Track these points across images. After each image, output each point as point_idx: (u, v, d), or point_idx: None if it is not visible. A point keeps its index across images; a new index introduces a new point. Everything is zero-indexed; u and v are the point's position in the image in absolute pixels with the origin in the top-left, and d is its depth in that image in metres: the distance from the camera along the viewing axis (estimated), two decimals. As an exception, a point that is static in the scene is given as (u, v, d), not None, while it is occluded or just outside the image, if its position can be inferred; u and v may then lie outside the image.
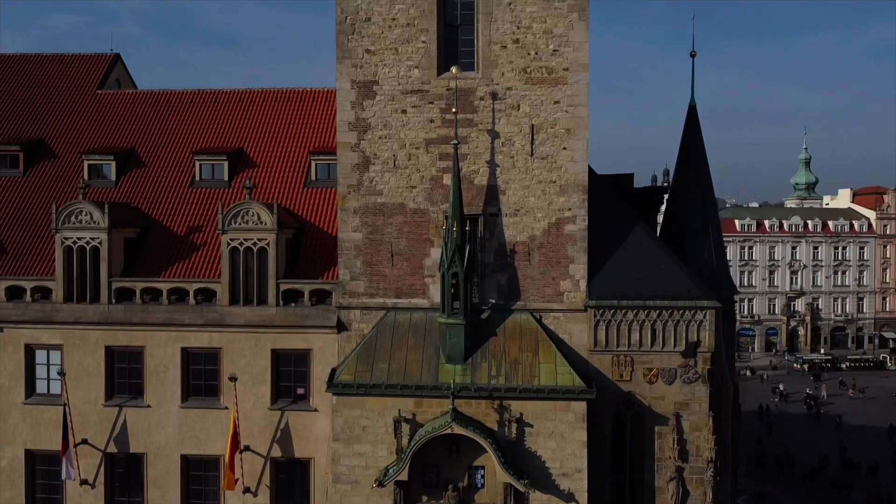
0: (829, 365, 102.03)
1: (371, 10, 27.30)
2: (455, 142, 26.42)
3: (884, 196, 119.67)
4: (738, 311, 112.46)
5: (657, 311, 26.65)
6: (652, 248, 27.86)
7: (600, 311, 26.79)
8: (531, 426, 25.40)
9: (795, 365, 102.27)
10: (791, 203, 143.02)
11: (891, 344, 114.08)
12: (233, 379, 27.22)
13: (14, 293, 29.19)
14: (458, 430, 24.50)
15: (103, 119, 35.39)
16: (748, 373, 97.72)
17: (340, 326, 27.70)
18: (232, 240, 28.09)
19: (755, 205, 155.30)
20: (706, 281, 29.81)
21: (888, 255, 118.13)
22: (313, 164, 32.04)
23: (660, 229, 33.48)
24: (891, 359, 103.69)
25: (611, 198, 29.43)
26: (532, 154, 27.07)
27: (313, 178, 31.99)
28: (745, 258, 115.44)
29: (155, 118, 35.13)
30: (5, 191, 32.74)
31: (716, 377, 27.25)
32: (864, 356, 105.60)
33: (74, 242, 28.60)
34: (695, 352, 26.64)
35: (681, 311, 26.66)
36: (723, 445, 27.37)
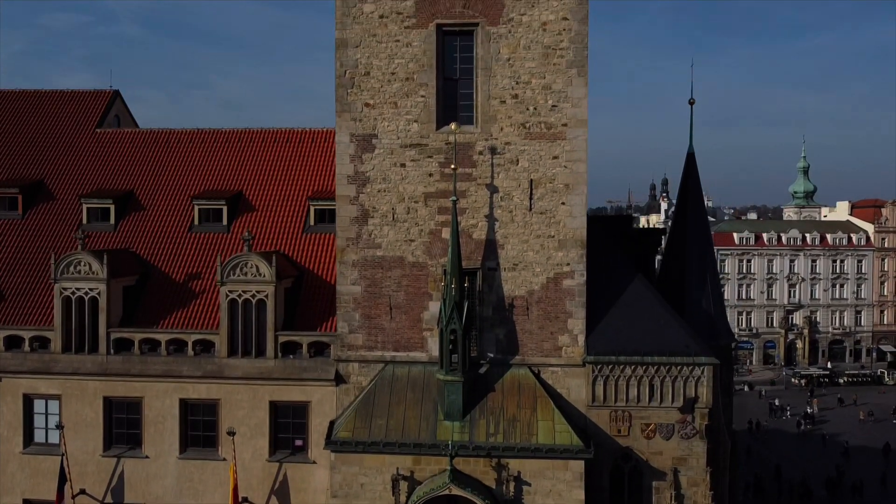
0: (826, 380, 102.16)
1: (370, 65, 27.33)
2: (454, 198, 26.46)
3: (882, 209, 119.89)
4: (736, 324, 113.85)
5: (655, 367, 26.69)
6: (650, 302, 27.89)
7: (598, 367, 26.82)
8: (529, 484, 25.43)
9: (793, 380, 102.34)
10: (789, 211, 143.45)
11: (888, 357, 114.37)
12: (231, 433, 27.25)
13: (13, 342, 29.20)
14: (455, 490, 24.52)
15: (102, 159, 35.41)
16: (746, 388, 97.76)
17: (339, 379, 27.72)
18: (231, 291, 28.11)
19: (753, 216, 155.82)
20: (704, 330, 29.95)
21: (886, 269, 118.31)
22: (312, 208, 32.06)
23: (658, 274, 33.52)
24: (888, 374, 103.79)
25: (609, 248, 29.47)
26: (531, 209, 27.11)
27: (312, 223, 32.02)
28: (744, 271, 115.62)
29: (154, 158, 35.17)
30: (4, 234, 32.77)
31: (713, 432, 27.30)
32: (862, 371, 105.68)
33: (73, 293, 28.62)
34: (692, 407, 26.68)
35: (678, 367, 26.69)
36: (720, 500, 27.42)
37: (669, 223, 34.02)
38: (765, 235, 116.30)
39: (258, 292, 28.05)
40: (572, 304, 27.07)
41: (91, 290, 28.56)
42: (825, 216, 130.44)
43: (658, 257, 37.99)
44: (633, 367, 26.75)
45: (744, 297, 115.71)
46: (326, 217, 31.39)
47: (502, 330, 27.32)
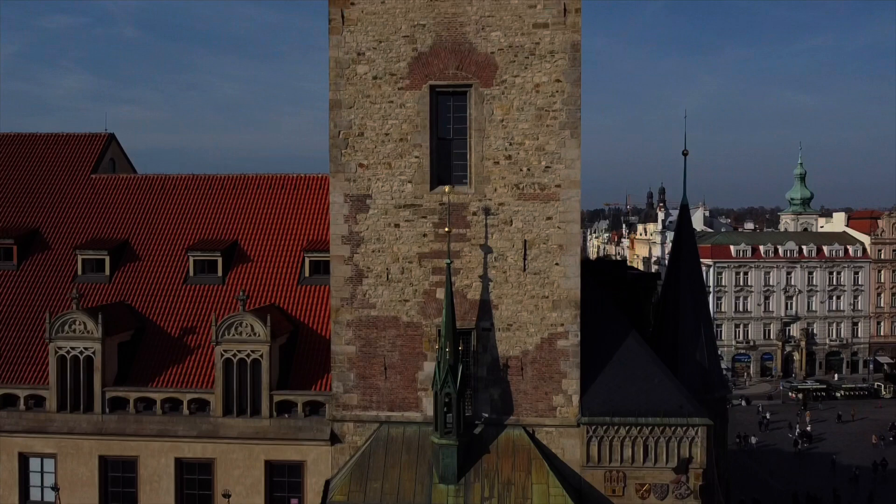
0: (823, 394, 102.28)
1: (364, 125, 27.37)
2: (448, 261, 26.50)
3: (878, 221, 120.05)
4: (734, 337, 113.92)
5: (650, 428, 26.75)
6: (644, 361, 27.94)
7: (593, 428, 26.87)
8: (524, 548, 25.48)
9: (790, 394, 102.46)
10: (787, 218, 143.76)
11: (885, 368, 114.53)
12: (226, 496, 27.29)
13: (8, 401, 29.21)
14: (451, 557, 24.59)
15: (97, 206, 35.46)
16: (743, 402, 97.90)
17: (334, 439, 27.76)
18: (225, 351, 28.15)
19: (750, 226, 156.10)
20: (698, 382, 30.05)
21: (882, 280, 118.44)
22: (307, 260, 32.10)
23: (652, 323, 33.58)
24: (885, 387, 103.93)
25: (603, 300, 29.55)
26: (525, 269, 27.16)
27: (307, 274, 32.07)
28: (741, 283, 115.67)
29: (149, 205, 35.23)
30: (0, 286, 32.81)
31: (708, 490, 27.36)
32: (859, 385, 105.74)
33: (68, 352, 28.64)
34: (687, 468, 26.74)
35: (673, 428, 26.75)
36: (715, 558, 27.52)
37: (664, 268, 34.03)
38: (762, 248, 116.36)
39: (253, 352, 28.08)
40: (566, 365, 27.12)
41: (86, 349, 28.58)
42: (822, 227, 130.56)
43: (658, 284, 37.95)
44: (627, 427, 26.80)
45: (741, 309, 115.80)
46: (321, 269, 31.46)
47: (497, 390, 27.36)
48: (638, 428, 26.80)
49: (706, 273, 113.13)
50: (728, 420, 32.38)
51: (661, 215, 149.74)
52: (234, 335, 28.08)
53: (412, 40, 27.07)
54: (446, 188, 26.79)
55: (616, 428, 26.86)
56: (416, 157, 27.29)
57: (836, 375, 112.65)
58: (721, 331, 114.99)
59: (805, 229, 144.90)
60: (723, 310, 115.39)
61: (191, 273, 32.50)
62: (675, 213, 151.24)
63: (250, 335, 28.04)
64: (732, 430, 58.30)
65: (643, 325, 34.46)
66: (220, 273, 32.32)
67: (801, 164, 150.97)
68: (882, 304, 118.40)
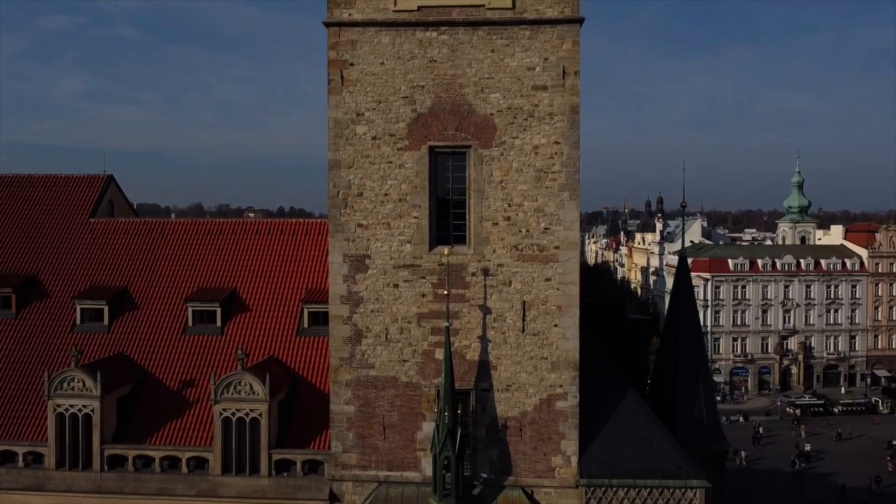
0: (821, 409, 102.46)
1: (363, 185, 27.38)
2: (447, 324, 26.51)
3: (876, 234, 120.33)
4: (731, 350, 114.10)
5: (648, 490, 26.77)
6: (643, 420, 27.97)
7: (591, 489, 26.90)
8: None
9: (788, 409, 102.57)
10: (784, 226, 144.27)
11: (882, 382, 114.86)
12: (225, 558, 27.32)
13: (7, 457, 29.19)
14: None
15: (96, 252, 35.42)
16: (741, 419, 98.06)
17: (333, 498, 27.76)
18: (224, 410, 28.14)
19: (751, 230, 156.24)
20: (697, 436, 30.12)
21: (880, 294, 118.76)
22: (306, 311, 32.10)
23: (651, 374, 33.63)
24: (883, 402, 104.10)
25: (601, 356, 29.55)
26: (524, 330, 27.18)
27: (305, 325, 32.07)
28: (739, 297, 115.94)
29: (148, 251, 35.20)
30: (-2, 336, 32.77)
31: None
32: (856, 401, 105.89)
33: (66, 410, 28.62)
34: (685, 530, 26.77)
35: (671, 490, 26.78)
36: None
37: (664, 317, 34.07)
38: (759, 262, 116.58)
39: (252, 410, 28.08)
40: (565, 426, 27.14)
41: (84, 406, 28.57)
42: (819, 239, 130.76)
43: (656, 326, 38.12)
44: (626, 489, 26.83)
45: (738, 323, 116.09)
46: (320, 319, 31.42)
47: (496, 450, 27.38)
48: (636, 490, 26.82)
49: (704, 287, 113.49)
50: (725, 472, 32.40)
51: (658, 226, 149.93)
52: (232, 394, 28.08)
53: (411, 101, 27.09)
54: (445, 250, 26.80)
55: (615, 489, 26.90)
56: (415, 217, 27.30)
57: (842, 389, 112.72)
58: (719, 344, 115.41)
59: (803, 238, 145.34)
60: (720, 323, 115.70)
61: (189, 323, 32.49)
62: (672, 224, 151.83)
63: (249, 394, 28.05)
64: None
65: (641, 371, 34.54)
66: (218, 323, 32.30)
67: (798, 172, 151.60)
68: (880, 318, 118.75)
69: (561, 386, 27.13)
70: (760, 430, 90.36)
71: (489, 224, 27.20)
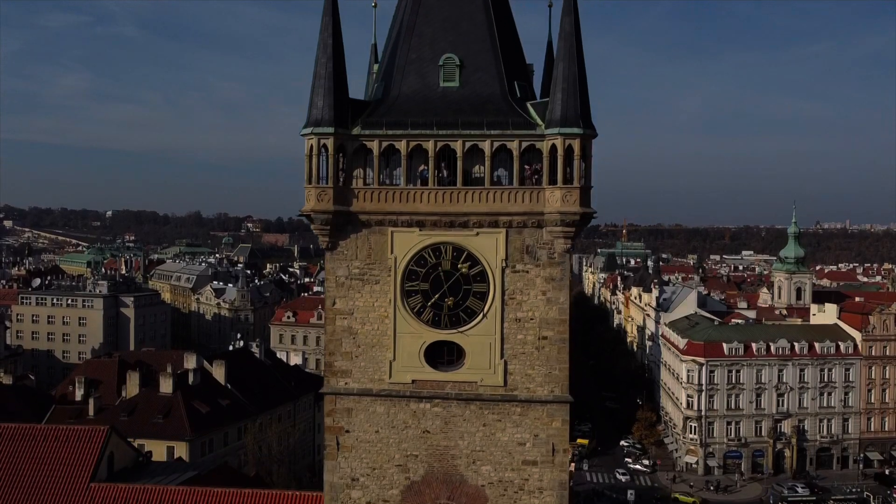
0: (814, 500, 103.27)
1: (358, 546, 28.19)
2: None
3: (869, 316, 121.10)
4: (725, 434, 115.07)
5: None
6: None
7: None
8: None
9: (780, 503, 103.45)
10: (780, 276, 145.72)
11: (875, 465, 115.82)
12: None
13: None
14: None
15: (97, 524, 36.14)
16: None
17: None
18: None
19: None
20: None
21: (873, 376, 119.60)
22: None
23: None
24: (874, 498, 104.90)
25: None
26: None
27: None
28: (733, 381, 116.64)
29: (147, 523, 35.92)
30: None
31: None
32: (848, 496, 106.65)
33: None
34: None
35: None
36: None
37: None
38: (754, 346, 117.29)
39: None
40: None
41: None
42: (814, 314, 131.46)
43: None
44: None
45: (732, 406, 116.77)
46: None
47: None
48: None
49: (699, 371, 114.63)
50: None
51: (655, 292, 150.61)
52: None
53: (405, 469, 27.89)
54: None
55: None
56: None
57: (837, 476, 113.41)
58: (713, 428, 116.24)
59: (798, 289, 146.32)
60: (715, 407, 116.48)
61: None
62: (668, 291, 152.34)
63: None
64: None
65: None
66: None
67: (794, 222, 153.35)
68: (873, 400, 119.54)
69: None
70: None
71: None
